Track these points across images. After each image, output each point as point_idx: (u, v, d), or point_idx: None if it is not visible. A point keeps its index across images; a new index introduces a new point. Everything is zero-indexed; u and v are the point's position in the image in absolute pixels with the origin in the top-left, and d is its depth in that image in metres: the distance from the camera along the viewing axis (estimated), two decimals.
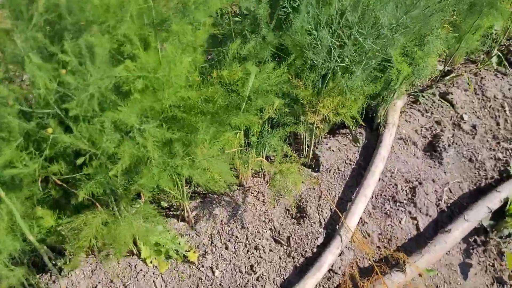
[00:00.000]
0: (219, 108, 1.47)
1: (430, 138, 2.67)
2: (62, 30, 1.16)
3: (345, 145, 2.56)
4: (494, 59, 3.23)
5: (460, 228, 2.19)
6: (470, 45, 2.76)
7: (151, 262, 1.86)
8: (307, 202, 2.23)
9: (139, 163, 1.34)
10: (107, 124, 1.22)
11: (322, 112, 1.99)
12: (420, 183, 2.46)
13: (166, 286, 1.82)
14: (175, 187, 1.86)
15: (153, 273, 1.84)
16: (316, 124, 2.17)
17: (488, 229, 2.32)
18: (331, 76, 1.93)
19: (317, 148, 2.48)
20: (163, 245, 1.86)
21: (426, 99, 2.88)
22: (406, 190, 2.43)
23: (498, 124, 2.89)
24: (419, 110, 2.81)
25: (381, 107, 2.46)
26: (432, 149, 2.62)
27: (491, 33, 3.18)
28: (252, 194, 2.23)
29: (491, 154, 2.72)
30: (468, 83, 3.02)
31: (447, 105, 2.86)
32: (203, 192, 2.25)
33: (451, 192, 2.52)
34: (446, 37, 2.24)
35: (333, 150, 2.50)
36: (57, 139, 1.18)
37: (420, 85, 3.05)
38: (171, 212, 2.11)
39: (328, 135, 2.63)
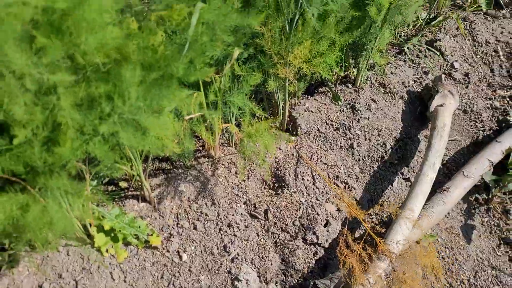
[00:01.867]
0: (161, 57, 1.18)
1: (419, 91, 2.41)
2: None
3: (325, 104, 2.29)
4: (483, 2, 2.96)
5: (460, 186, 1.95)
6: None
7: (107, 250, 1.60)
8: (286, 169, 1.97)
9: (58, 129, 1.05)
10: (8, 79, 0.94)
11: (294, 63, 1.71)
12: (411, 140, 2.21)
13: (125, 277, 1.56)
14: (128, 162, 1.59)
15: (110, 264, 1.58)
16: (289, 80, 1.89)
17: (490, 185, 2.09)
18: (301, 20, 1.64)
19: (294, 109, 2.21)
20: (120, 230, 1.60)
21: (411, 48, 2.61)
22: (396, 149, 2.18)
23: (492, 70, 2.64)
24: (405, 61, 2.54)
25: (362, 58, 2.18)
26: (421, 103, 2.36)
27: None
28: (223, 166, 1.96)
29: (488, 104, 2.48)
30: (458, 27, 2.75)
31: (435, 53, 2.59)
32: (168, 168, 1.98)
33: (447, 148, 2.28)
34: None
35: (312, 111, 2.23)
36: None
37: (404, 35, 2.77)
38: (130, 193, 1.83)
39: (306, 95, 2.35)
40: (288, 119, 2.18)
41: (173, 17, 1.23)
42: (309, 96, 2.35)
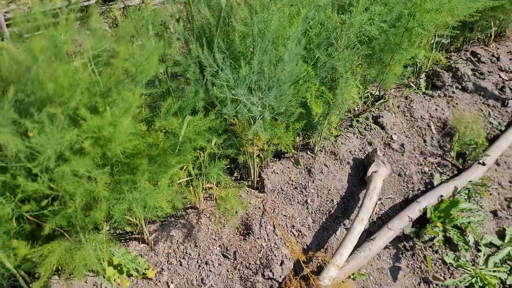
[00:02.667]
0: (161, 151, 1.83)
1: (363, 158, 3.07)
2: (29, 103, 1.51)
3: (288, 167, 2.93)
4: (423, 83, 3.68)
5: (384, 237, 2.57)
6: (393, 75, 3.19)
7: (114, 280, 2.18)
8: (253, 220, 2.59)
9: (94, 200, 1.68)
10: (67, 173, 1.57)
11: (257, 144, 2.37)
12: (353, 198, 2.85)
13: None
14: (133, 216, 2.20)
15: None
16: (257, 153, 2.54)
17: (411, 236, 2.71)
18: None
19: (263, 171, 2.85)
20: (125, 265, 2.19)
21: (360, 122, 3.29)
22: (341, 205, 2.81)
23: (425, 141, 3.32)
24: (354, 133, 3.22)
25: (315, 133, 2.85)
26: (364, 168, 3.01)
27: (414, 63, 3.63)
28: (205, 216, 2.58)
29: (419, 169, 3.13)
30: (393, 107, 3.45)
31: (378, 127, 3.28)
32: (164, 216, 2.59)
33: (382, 204, 2.91)
34: (364, 74, 2.66)
35: (277, 173, 2.88)
36: (26, 186, 1.52)
37: (356, 110, 3.47)
38: (133, 236, 2.44)
39: (275, 159, 3.00)
40: (258, 179, 2.83)
41: (171, 125, 1.89)
42: (278, 159, 3.00)
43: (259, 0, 1.82)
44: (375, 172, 2.81)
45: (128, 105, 1.58)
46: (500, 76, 3.95)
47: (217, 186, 2.59)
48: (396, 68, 3.13)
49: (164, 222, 2.52)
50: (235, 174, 2.88)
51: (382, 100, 3.44)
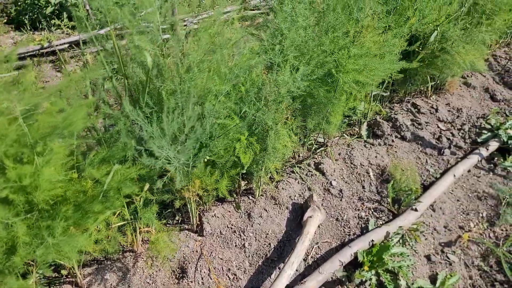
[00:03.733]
0: (88, 198, 1.95)
1: (302, 202, 3.23)
2: None
3: (229, 211, 3.06)
4: (364, 132, 3.94)
5: (315, 280, 2.68)
6: (334, 125, 3.43)
7: None
8: (189, 263, 2.67)
9: (14, 245, 1.76)
10: None
11: (192, 190, 2.50)
12: (289, 242, 2.97)
13: None
14: (66, 259, 2.27)
15: None
16: (194, 198, 2.67)
17: (343, 280, 2.83)
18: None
19: (204, 215, 2.97)
20: None
21: (302, 169, 3.48)
22: (277, 249, 2.92)
23: (363, 187, 3.51)
24: (295, 179, 3.39)
25: (254, 180, 3.01)
26: (302, 213, 3.17)
27: (355, 112, 3.91)
28: (142, 259, 2.65)
29: (356, 214, 3.30)
30: (340, 152, 3.67)
31: (319, 173, 3.47)
32: (101, 259, 2.65)
33: (319, 248, 3.04)
34: (303, 124, 2.88)
35: (218, 217, 2.99)
36: None
37: (300, 156, 3.67)
38: (67, 279, 2.48)
39: (218, 203, 3.13)
40: (199, 222, 2.93)
41: (96, 174, 2.02)
42: (221, 203, 3.12)
43: (185, 63, 2.02)
44: (310, 217, 2.97)
45: (51, 155, 1.71)
46: (438, 126, 4.25)
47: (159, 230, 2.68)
48: (335, 118, 3.37)
49: (100, 265, 2.58)
50: (176, 218, 2.98)
51: (323, 148, 3.65)
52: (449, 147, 4.02)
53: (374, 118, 4.15)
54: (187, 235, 2.85)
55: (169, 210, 2.98)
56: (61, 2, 6.62)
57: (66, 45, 5.81)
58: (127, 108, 1.81)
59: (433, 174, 3.75)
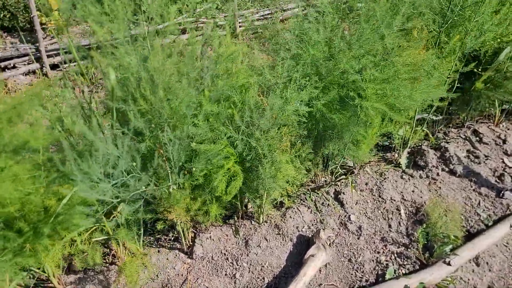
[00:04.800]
0: (47, 217, 1.88)
1: (310, 236, 2.88)
2: None
3: (227, 235, 2.84)
4: (404, 160, 3.42)
5: None
6: (362, 151, 3.00)
7: None
8: (172, 287, 2.51)
9: None
10: None
11: (175, 213, 2.33)
12: (286, 279, 2.66)
13: None
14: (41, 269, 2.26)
15: None
16: (184, 219, 2.50)
17: None
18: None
19: (199, 236, 2.79)
20: None
21: (319, 196, 3.11)
22: (271, 285, 2.63)
23: (390, 226, 3.04)
24: (308, 207, 3.04)
25: (256, 205, 2.74)
26: (308, 247, 2.82)
27: (396, 137, 3.39)
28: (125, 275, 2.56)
29: (374, 257, 2.86)
30: (367, 182, 3.22)
31: (338, 204, 3.07)
32: (88, 268, 2.62)
33: None
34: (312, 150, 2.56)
35: (213, 239, 2.79)
36: None
37: (321, 182, 3.29)
38: (49, 285, 2.48)
39: (219, 224, 2.92)
40: (191, 243, 2.76)
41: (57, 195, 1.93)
42: (219, 225, 2.91)
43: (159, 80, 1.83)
44: (312, 256, 2.62)
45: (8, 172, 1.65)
46: (503, 161, 3.54)
47: (147, 245, 2.58)
48: (363, 143, 2.94)
49: (84, 275, 2.54)
50: (171, 234, 2.84)
51: (347, 175, 3.23)
52: None
53: (419, 145, 3.58)
54: (176, 255, 2.70)
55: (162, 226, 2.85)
56: None
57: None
58: (79, 127, 1.68)
59: (485, 220, 3.12)
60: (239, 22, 7.45)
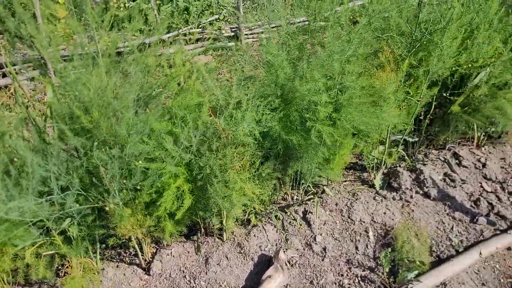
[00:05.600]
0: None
1: (272, 255, 2.85)
2: None
3: (189, 252, 2.83)
4: (378, 182, 3.37)
5: None
6: (334, 171, 2.98)
7: None
8: None
9: None
10: None
11: (126, 229, 2.34)
12: None
13: None
14: None
15: None
16: (140, 235, 2.50)
17: None
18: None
19: (160, 251, 2.78)
20: None
21: (288, 215, 3.08)
22: None
23: (357, 248, 2.99)
24: (275, 226, 3.02)
25: (219, 222, 2.74)
26: (268, 267, 2.79)
27: (370, 158, 3.35)
28: None
29: (337, 279, 2.81)
30: (337, 203, 3.19)
31: (305, 223, 3.04)
32: (36, 281, 2.62)
33: None
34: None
35: (173, 256, 2.79)
36: None
37: (293, 200, 3.26)
38: None
39: (182, 240, 2.92)
40: (151, 259, 2.76)
41: None
42: (181, 242, 2.90)
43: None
44: (270, 277, 2.59)
45: None
46: (481, 186, 3.46)
47: (107, 259, 2.59)
48: (334, 163, 2.92)
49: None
50: (131, 250, 2.85)
51: (310, 197, 3.20)
52: (487, 215, 3.23)
53: (394, 166, 3.53)
54: (134, 271, 2.70)
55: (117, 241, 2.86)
56: (137, 6, 7.01)
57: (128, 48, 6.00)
58: (13, 142, 1.72)
59: (456, 246, 3.04)
60: (245, 35, 7.50)
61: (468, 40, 2.70)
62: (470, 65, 2.80)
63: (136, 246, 2.56)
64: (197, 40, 7.35)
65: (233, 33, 7.42)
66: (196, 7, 7.53)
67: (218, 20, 7.88)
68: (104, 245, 2.78)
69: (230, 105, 2.15)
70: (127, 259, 2.79)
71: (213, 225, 2.78)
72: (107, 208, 2.07)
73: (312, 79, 2.37)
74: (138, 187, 2.16)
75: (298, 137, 2.47)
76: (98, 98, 1.72)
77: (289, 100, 2.53)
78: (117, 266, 2.71)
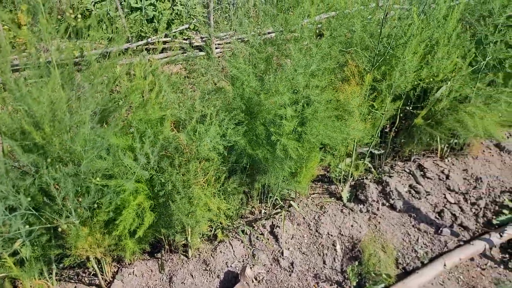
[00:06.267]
0: None
1: (239, 271, 2.79)
2: None
3: (152, 270, 2.72)
4: (345, 194, 3.38)
5: None
6: (302, 184, 2.96)
7: None
8: None
9: None
10: None
11: (78, 249, 2.22)
12: None
13: None
14: None
15: None
16: (99, 255, 2.38)
17: None
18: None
19: (121, 271, 2.66)
20: None
21: (255, 230, 3.03)
22: None
23: (324, 262, 2.97)
24: (242, 241, 2.96)
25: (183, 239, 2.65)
26: (235, 283, 2.72)
27: (337, 170, 3.37)
28: None
29: None
30: (304, 216, 3.17)
31: (273, 238, 3.00)
32: None
33: None
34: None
35: (136, 275, 2.67)
36: None
37: (261, 214, 3.22)
38: None
39: (145, 258, 2.81)
40: (111, 279, 2.64)
41: None
42: (145, 260, 2.79)
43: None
44: None
45: None
46: (444, 197, 3.54)
47: (65, 280, 2.44)
48: (301, 176, 2.90)
49: None
50: (91, 269, 2.71)
51: (278, 210, 3.17)
52: (451, 226, 3.30)
53: (362, 178, 3.56)
54: None
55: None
56: (104, 13, 6.85)
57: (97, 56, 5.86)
58: None
59: (421, 257, 3.07)
60: (217, 44, 7.44)
61: (429, 55, 2.77)
62: (431, 79, 2.86)
63: (95, 266, 2.44)
64: (166, 49, 7.25)
65: (203, 43, 7.36)
66: (166, 16, 7.44)
67: (188, 30, 7.80)
68: (62, 265, 2.63)
69: (193, 119, 2.10)
70: (86, 279, 2.65)
71: (178, 242, 2.69)
72: (59, 229, 1.96)
73: (278, 93, 2.35)
74: (95, 205, 2.05)
75: (264, 151, 2.43)
76: (51, 113, 1.62)
77: (255, 114, 2.50)
78: (75, 287, 2.57)
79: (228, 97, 2.37)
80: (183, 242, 2.84)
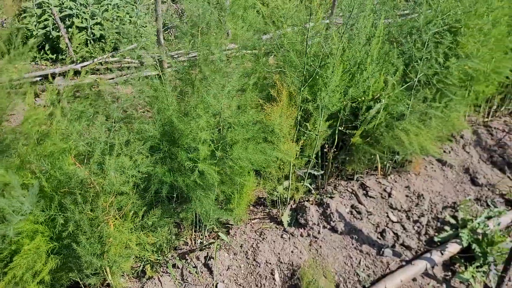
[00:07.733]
0: None
1: None
2: None
3: None
4: (286, 218, 3.25)
5: None
6: (237, 211, 2.81)
7: None
8: None
9: None
10: None
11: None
12: None
13: None
14: None
15: None
16: None
17: None
18: None
19: None
20: None
21: (187, 262, 2.84)
22: None
23: None
24: (173, 276, 2.75)
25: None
26: None
27: (274, 194, 3.25)
28: None
29: None
30: (242, 244, 3.01)
31: (206, 270, 2.81)
32: None
33: None
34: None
35: None
36: None
37: (196, 244, 3.03)
38: None
39: None
40: None
41: None
42: None
43: None
44: None
45: None
46: (387, 216, 3.48)
47: None
48: (236, 202, 2.75)
49: None
50: None
51: (208, 241, 3.00)
52: (393, 246, 3.23)
53: (303, 200, 3.45)
54: None
55: None
56: (47, 33, 6.56)
57: (38, 78, 5.56)
58: None
59: (363, 281, 2.97)
60: (168, 63, 7.27)
61: (357, 75, 2.73)
62: (362, 98, 2.82)
63: None
64: (121, 69, 7.01)
65: (155, 62, 7.18)
66: (113, 35, 7.22)
67: (139, 49, 7.61)
68: None
69: (96, 151, 1.91)
70: None
71: (97, 285, 2.46)
72: None
73: (198, 116, 2.21)
74: None
75: (185, 178, 2.27)
76: None
77: (177, 139, 2.35)
78: None
79: (141, 122, 2.21)
80: (107, 282, 2.60)
